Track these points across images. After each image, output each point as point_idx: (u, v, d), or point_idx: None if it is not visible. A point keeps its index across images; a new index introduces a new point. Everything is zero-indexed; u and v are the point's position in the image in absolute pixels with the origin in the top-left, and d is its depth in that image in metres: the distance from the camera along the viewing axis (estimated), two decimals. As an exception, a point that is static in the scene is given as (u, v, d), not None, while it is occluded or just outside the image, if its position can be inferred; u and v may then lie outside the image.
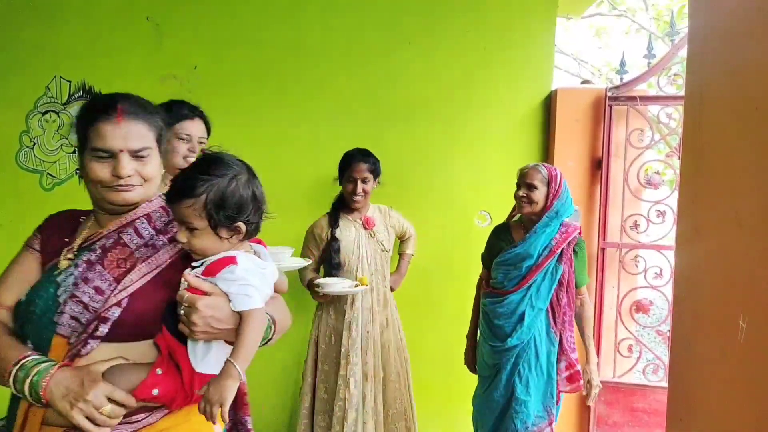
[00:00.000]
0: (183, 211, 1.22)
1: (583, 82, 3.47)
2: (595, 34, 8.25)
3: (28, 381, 1.11)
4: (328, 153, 2.94)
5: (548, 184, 2.40)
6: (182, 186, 1.23)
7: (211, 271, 1.22)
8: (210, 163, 1.27)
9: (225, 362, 1.17)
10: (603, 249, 2.98)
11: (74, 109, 3.33)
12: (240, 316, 1.20)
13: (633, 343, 2.98)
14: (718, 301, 1.13)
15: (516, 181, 2.48)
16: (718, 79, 1.20)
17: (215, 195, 1.23)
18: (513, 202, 2.57)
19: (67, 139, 3.34)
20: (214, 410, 1.14)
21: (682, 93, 2.68)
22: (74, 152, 3.32)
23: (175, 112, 2.10)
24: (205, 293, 1.18)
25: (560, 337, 2.42)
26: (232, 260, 1.23)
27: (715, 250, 1.16)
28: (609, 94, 2.98)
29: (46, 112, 3.35)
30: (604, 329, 2.99)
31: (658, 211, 2.91)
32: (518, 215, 2.53)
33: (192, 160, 2.30)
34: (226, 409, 1.16)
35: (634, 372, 3.01)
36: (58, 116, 3.35)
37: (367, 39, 3.21)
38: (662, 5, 7.53)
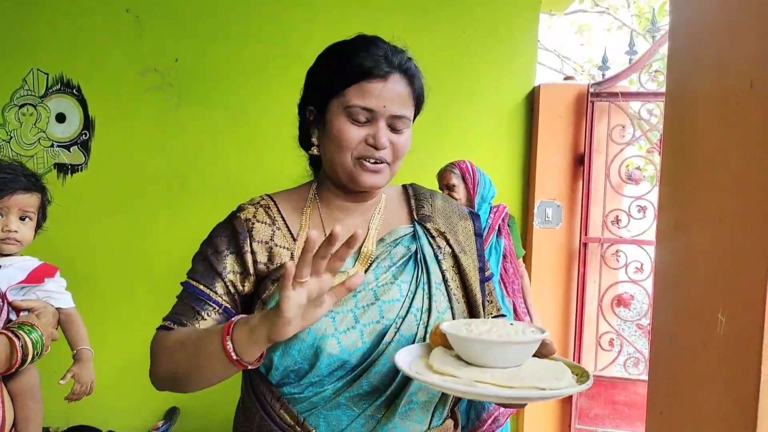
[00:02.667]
0: (30, 201, 1.47)
1: (565, 79, 3.49)
2: (578, 31, 8.30)
3: None
4: (310, 148, 2.93)
5: (463, 178, 2.63)
6: (31, 178, 1.48)
7: (41, 276, 1.49)
8: (20, 164, 1.55)
9: (79, 351, 1.58)
10: (585, 244, 3.01)
11: (52, 102, 3.27)
12: (60, 313, 1.54)
13: (614, 336, 3.01)
14: (699, 295, 1.14)
15: (438, 185, 2.72)
16: (699, 75, 1.21)
17: (46, 191, 1.55)
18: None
19: (44, 132, 3.28)
20: (88, 387, 1.57)
21: (663, 89, 2.71)
22: (52, 146, 3.27)
23: None
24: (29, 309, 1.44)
25: (513, 304, 2.67)
26: (53, 267, 1.54)
27: (696, 244, 1.17)
28: (591, 90, 3.00)
29: (23, 105, 3.28)
30: (586, 323, 3.03)
31: (639, 206, 2.94)
32: None
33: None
34: (94, 384, 1.60)
35: (615, 365, 3.05)
36: (36, 109, 3.28)
37: (352, 32, 3.19)
38: (644, 2, 7.59)
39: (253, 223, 1.04)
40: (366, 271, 1.01)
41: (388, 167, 1.02)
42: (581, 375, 0.87)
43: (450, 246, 1.09)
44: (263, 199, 1.10)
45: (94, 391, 1.60)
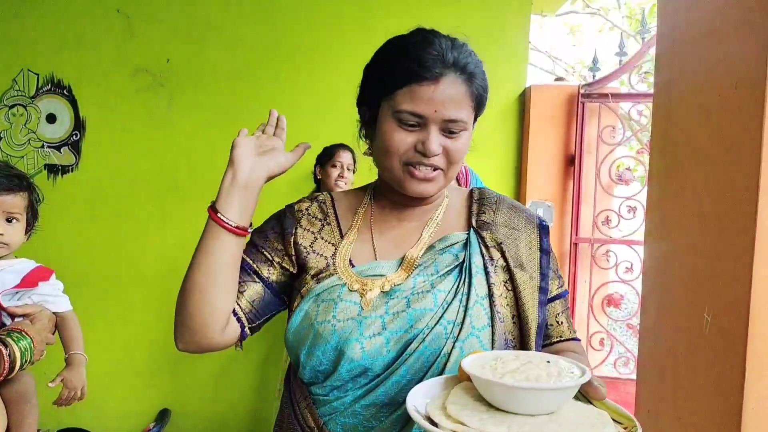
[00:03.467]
0: (15, 201, 1.44)
1: (556, 80, 3.51)
2: (570, 32, 8.34)
3: None
4: (305, 149, 2.93)
5: (456, 177, 2.56)
6: (14, 178, 1.44)
7: (35, 280, 1.47)
8: (5, 163, 1.50)
9: (71, 355, 1.55)
10: (575, 244, 3.02)
11: (43, 102, 3.26)
12: (56, 317, 1.52)
13: (605, 336, 3.03)
14: (684, 294, 1.15)
15: None
16: (685, 77, 1.23)
17: (35, 190, 1.52)
18: None
19: (35, 133, 3.27)
20: (78, 392, 1.55)
21: (653, 90, 2.74)
22: (42, 147, 3.26)
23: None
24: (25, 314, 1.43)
25: None
26: (48, 269, 1.53)
27: (681, 244, 1.19)
28: (582, 91, 3.01)
29: (13, 106, 3.27)
30: (577, 323, 3.04)
31: (629, 206, 2.96)
32: None
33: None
34: (86, 389, 1.57)
35: (606, 365, 3.06)
36: (26, 110, 3.27)
37: (344, 33, 3.20)
38: (634, 4, 7.64)
39: (304, 215, 1.05)
40: (407, 277, 0.96)
41: (442, 174, 0.96)
42: (630, 429, 0.74)
43: (505, 259, 0.99)
44: (323, 194, 1.10)
45: (86, 395, 1.59)
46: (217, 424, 3.27)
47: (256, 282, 1.00)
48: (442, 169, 0.95)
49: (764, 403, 0.92)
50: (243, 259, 0.99)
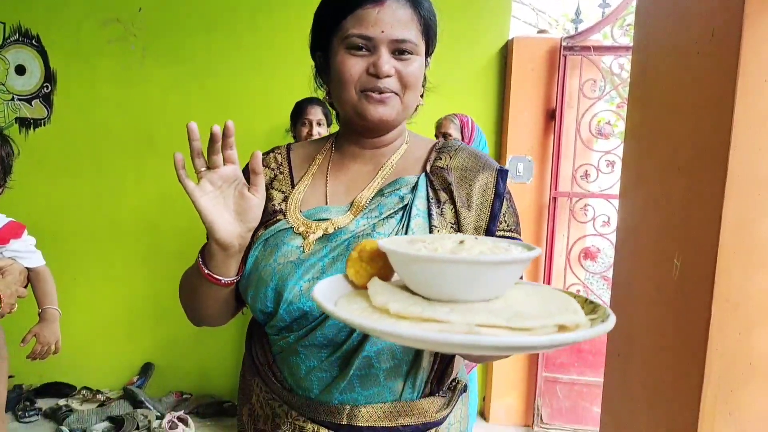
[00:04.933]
0: None
1: (539, 32, 3.46)
2: (554, -16, 8.19)
3: None
4: (281, 103, 2.87)
5: (461, 131, 2.56)
6: None
7: (7, 237, 1.48)
8: None
9: (44, 310, 1.56)
10: (554, 198, 3.05)
11: (11, 53, 3.14)
12: (29, 272, 1.53)
13: (581, 288, 3.10)
14: (656, 242, 1.18)
15: (434, 132, 2.62)
16: (665, 27, 1.22)
17: (7, 144, 1.54)
18: None
19: (4, 85, 3.16)
20: (51, 347, 1.55)
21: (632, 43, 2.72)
22: (12, 99, 3.16)
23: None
24: None
25: None
26: (20, 225, 1.54)
27: (655, 195, 1.20)
28: (564, 43, 2.99)
29: (-21, 57, 3.15)
30: (554, 275, 3.10)
31: (608, 161, 2.99)
32: None
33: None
34: (60, 343, 1.58)
35: (582, 316, 3.15)
36: (-7, 61, 3.15)
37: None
38: (620, -44, 7.52)
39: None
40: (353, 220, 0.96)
41: (398, 98, 0.95)
42: (583, 304, 0.63)
43: (452, 200, 0.97)
44: (280, 147, 1.10)
45: (60, 350, 1.60)
46: (200, 376, 3.32)
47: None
48: (396, 94, 0.95)
49: (728, 343, 0.96)
50: None
